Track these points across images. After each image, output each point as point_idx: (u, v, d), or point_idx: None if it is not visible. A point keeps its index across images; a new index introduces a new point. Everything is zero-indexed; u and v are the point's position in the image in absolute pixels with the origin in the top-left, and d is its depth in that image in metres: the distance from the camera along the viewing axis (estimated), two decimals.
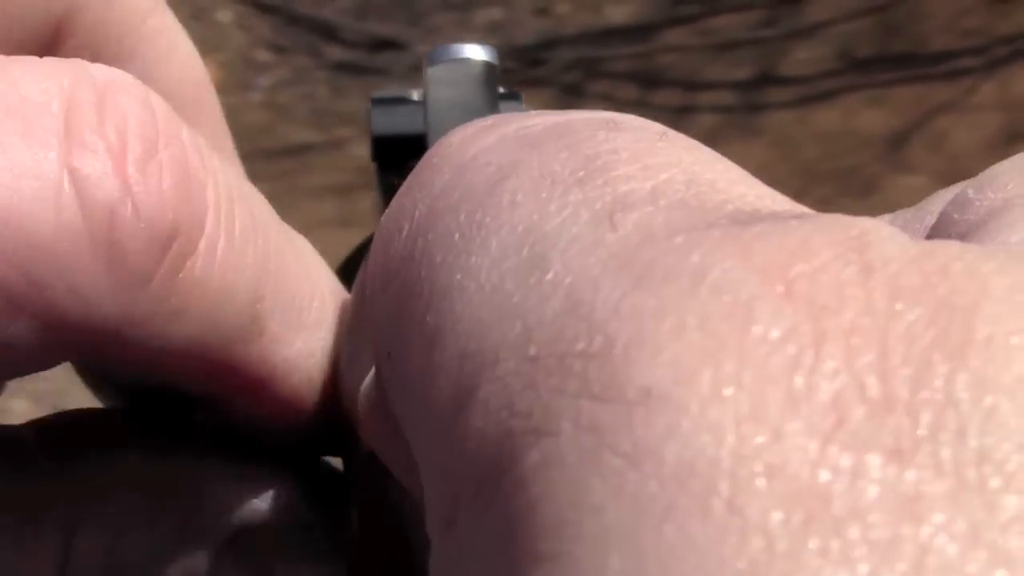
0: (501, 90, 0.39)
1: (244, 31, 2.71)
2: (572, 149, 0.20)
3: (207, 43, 2.67)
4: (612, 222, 0.18)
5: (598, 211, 0.19)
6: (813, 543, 0.15)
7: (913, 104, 2.23)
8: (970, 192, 0.22)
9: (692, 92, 2.36)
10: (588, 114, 0.21)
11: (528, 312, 0.18)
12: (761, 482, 0.16)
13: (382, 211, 0.39)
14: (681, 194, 0.19)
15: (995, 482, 0.15)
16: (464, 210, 0.20)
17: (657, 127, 0.21)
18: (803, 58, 2.33)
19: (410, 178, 0.22)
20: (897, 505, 0.15)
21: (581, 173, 0.19)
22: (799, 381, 0.16)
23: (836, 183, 2.16)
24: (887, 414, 0.16)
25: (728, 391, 0.16)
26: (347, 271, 0.34)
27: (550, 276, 0.18)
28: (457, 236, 0.19)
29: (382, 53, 2.60)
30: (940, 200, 0.24)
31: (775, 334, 0.16)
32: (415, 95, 0.43)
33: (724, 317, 0.17)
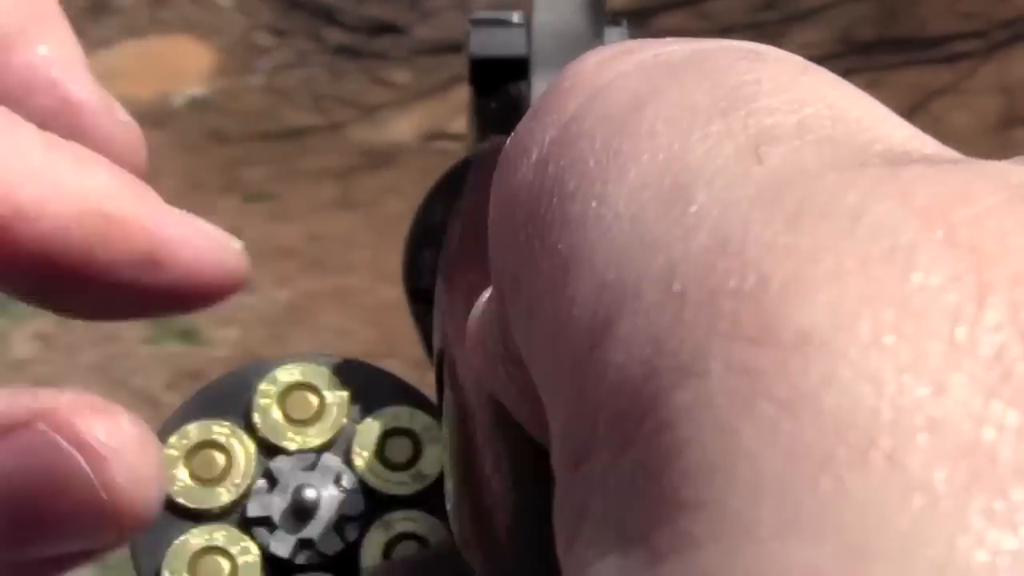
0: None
1: (244, 15, 2.70)
2: (713, 78, 0.19)
3: (207, 26, 2.67)
4: (758, 155, 0.18)
5: (742, 143, 0.18)
6: (977, 503, 0.15)
7: (912, 87, 2.23)
8: None
9: None
10: (728, 43, 0.21)
11: (672, 245, 0.17)
12: (923, 436, 0.15)
13: (477, 137, 0.39)
14: (828, 130, 0.18)
15: None
16: (600, 136, 0.19)
17: (799, 60, 0.20)
18: (802, 42, 2.32)
19: (539, 102, 0.21)
20: None
21: (723, 103, 0.19)
22: (961, 332, 0.16)
23: None
24: None
25: (889, 339, 0.16)
26: (435, 199, 0.33)
27: (694, 208, 0.17)
28: (592, 163, 0.19)
29: (382, 37, 2.59)
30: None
31: (936, 281, 0.16)
32: (515, 17, 0.42)
33: (884, 262, 0.16)
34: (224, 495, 0.32)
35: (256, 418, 0.33)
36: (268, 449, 0.33)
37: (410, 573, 0.27)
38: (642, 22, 2.62)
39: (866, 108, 0.19)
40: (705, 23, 2.55)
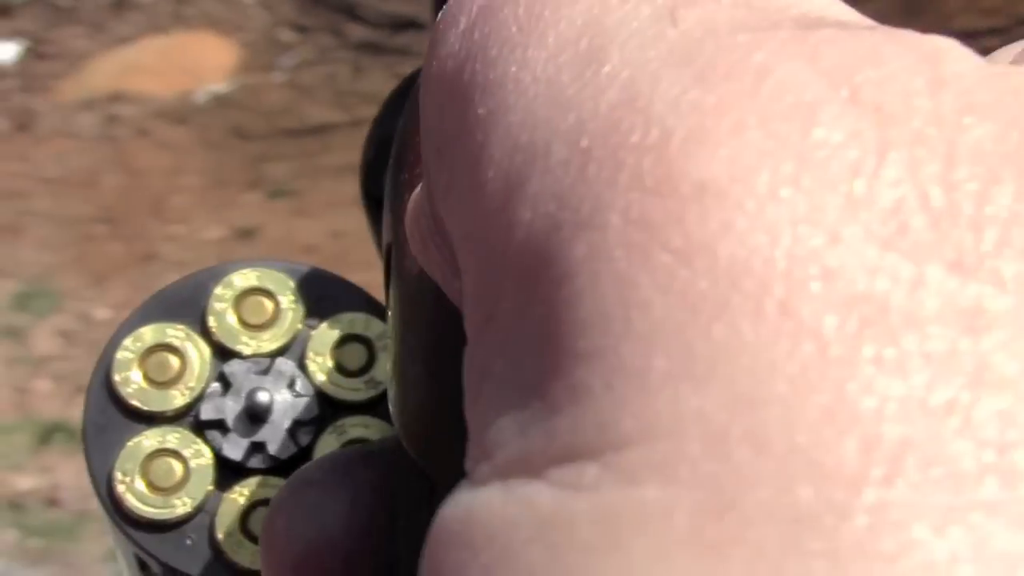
0: None
1: (267, 10, 2.71)
2: None
3: (230, 23, 2.67)
4: (674, 17, 0.18)
5: (659, 6, 0.18)
6: (868, 351, 0.15)
7: None
8: None
9: None
10: None
11: (583, 104, 0.17)
12: (816, 285, 0.15)
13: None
14: None
15: None
16: (524, 3, 0.19)
17: None
18: None
19: None
20: (957, 318, 0.15)
21: None
22: (860, 186, 0.16)
23: None
24: (951, 226, 0.15)
25: (786, 191, 0.16)
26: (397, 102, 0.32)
27: (607, 69, 0.18)
28: (515, 29, 0.19)
29: (404, 33, 2.59)
30: (1010, 52, 0.23)
31: (837, 138, 0.16)
32: None
33: (785, 117, 0.16)
34: (178, 398, 0.32)
35: (211, 322, 0.33)
36: (223, 353, 0.33)
37: (352, 463, 0.27)
38: None
39: None
40: None
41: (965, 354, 0.15)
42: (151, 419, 0.32)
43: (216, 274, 0.33)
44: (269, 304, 0.33)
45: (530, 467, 0.16)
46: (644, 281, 0.16)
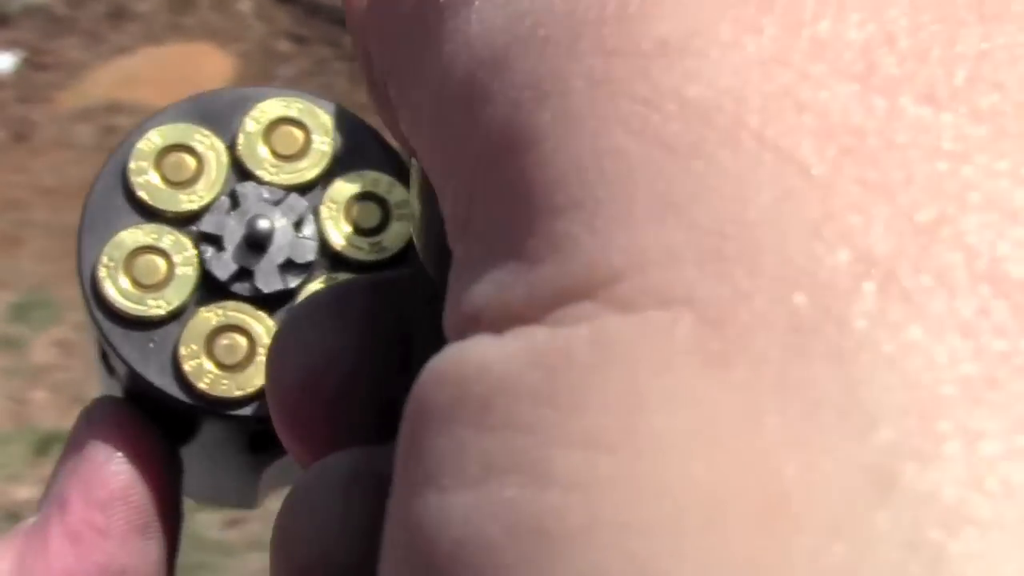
0: None
1: (265, 21, 2.71)
2: None
3: (227, 33, 2.67)
4: None
5: None
6: (850, 172, 0.15)
7: None
8: None
9: None
10: None
11: (538, 6, 0.18)
12: (791, 116, 0.15)
13: None
14: None
15: None
16: None
17: None
18: None
19: None
20: (936, 144, 0.15)
21: None
22: (824, 27, 0.16)
23: None
24: (920, 64, 0.16)
25: (749, 38, 0.16)
26: None
27: None
28: None
29: None
30: None
31: None
32: None
33: None
34: (185, 202, 0.32)
35: (240, 139, 0.32)
36: (241, 172, 0.32)
37: (363, 290, 0.28)
38: None
39: None
40: None
41: (948, 175, 0.15)
42: (152, 215, 0.32)
43: (259, 94, 0.33)
44: (300, 137, 0.32)
45: (520, 318, 0.16)
46: (615, 130, 0.16)
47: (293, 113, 0.33)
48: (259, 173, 0.32)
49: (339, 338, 0.27)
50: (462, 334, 0.17)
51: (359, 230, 0.32)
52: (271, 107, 0.33)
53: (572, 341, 0.16)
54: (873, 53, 0.16)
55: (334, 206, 0.32)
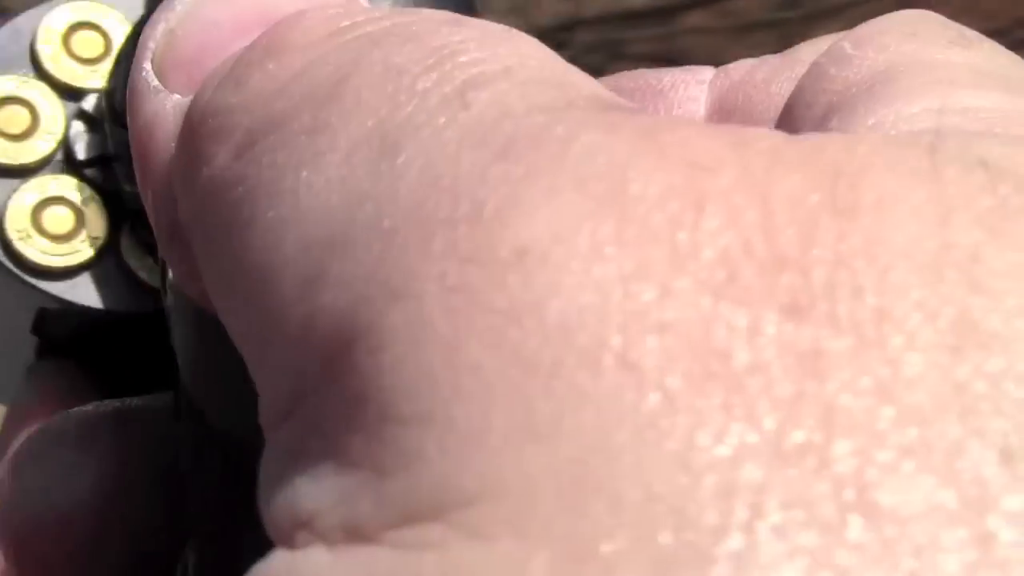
0: None
1: None
2: (416, 42, 0.19)
3: None
4: (464, 101, 0.18)
5: (448, 93, 0.18)
6: (715, 398, 0.15)
7: None
8: (847, 47, 0.22)
9: None
10: (427, 13, 0.20)
11: (380, 193, 0.17)
12: (654, 338, 0.15)
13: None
14: (535, 73, 0.18)
15: (897, 340, 0.15)
16: (308, 112, 0.19)
17: (502, 27, 0.20)
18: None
19: (227, 76, 0.21)
20: (798, 362, 0.15)
21: (429, 62, 0.19)
22: (683, 238, 0.16)
23: None
24: (778, 272, 0.15)
25: (609, 250, 0.16)
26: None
27: (402, 159, 0.17)
28: (303, 138, 0.19)
29: None
30: (811, 50, 0.23)
31: (653, 191, 0.16)
32: None
33: (598, 177, 0.16)
34: (41, 146, 0.32)
35: (48, 66, 0.32)
36: (71, 93, 0.32)
37: (106, 423, 0.26)
38: (664, 20, 2.61)
39: (574, 69, 0.19)
40: (727, 21, 2.55)
41: (812, 397, 0.15)
42: (22, 173, 0.32)
43: (35, 17, 0.32)
44: (99, 37, 0.32)
45: (361, 532, 0.16)
46: (471, 343, 0.15)
47: (81, 16, 0.32)
48: (88, 85, 0.32)
49: (85, 477, 0.25)
50: (289, 539, 0.17)
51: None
52: (57, 20, 0.32)
53: (419, 570, 0.15)
54: (732, 262, 0.15)
55: None
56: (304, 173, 0.18)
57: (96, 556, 0.25)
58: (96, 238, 0.32)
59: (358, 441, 0.16)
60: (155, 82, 0.22)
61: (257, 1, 0.22)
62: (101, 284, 0.32)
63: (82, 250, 0.31)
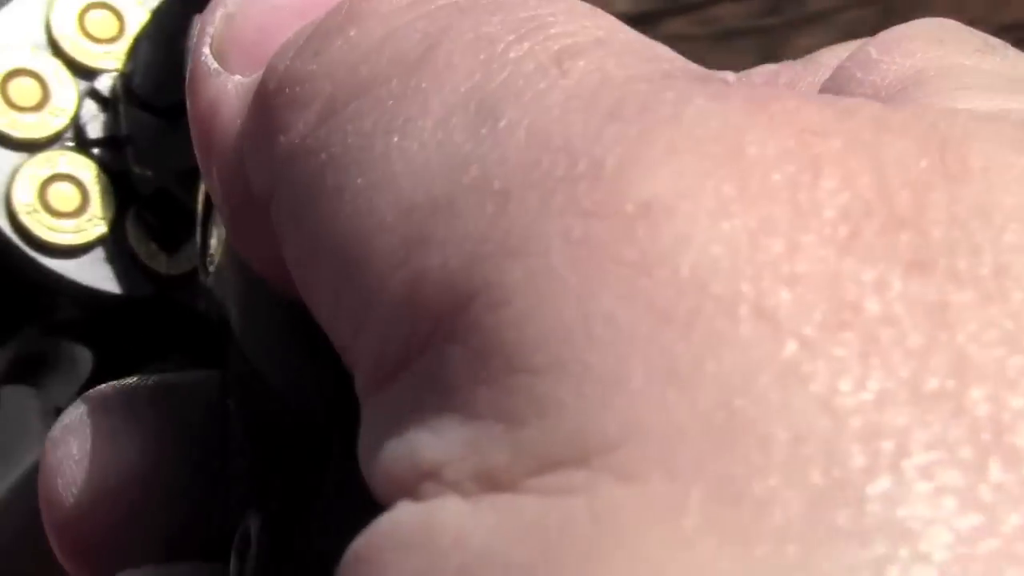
0: None
1: None
2: (504, 12, 0.19)
3: None
4: (562, 69, 0.18)
5: (544, 61, 0.18)
6: (851, 347, 0.15)
7: None
8: (873, 52, 0.22)
9: None
10: None
11: (485, 155, 0.17)
12: (786, 289, 0.15)
13: None
14: (627, 46, 0.19)
15: (1018, 295, 0.15)
16: (396, 77, 0.19)
17: (585, 3, 0.20)
18: (806, 46, 2.31)
19: (304, 46, 0.21)
20: (926, 314, 0.15)
21: (520, 31, 0.19)
22: (803, 197, 0.16)
23: None
24: (898, 230, 0.16)
25: (734, 206, 0.16)
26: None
27: (504, 123, 0.18)
28: (391, 103, 0.19)
29: None
30: (833, 55, 0.23)
31: (770, 153, 0.16)
32: None
33: (715, 140, 0.16)
34: (52, 122, 0.32)
35: (62, 43, 0.32)
36: (85, 72, 0.32)
37: (151, 395, 0.26)
38: (645, 27, 2.62)
39: (658, 43, 0.20)
40: (708, 28, 2.56)
41: (943, 346, 0.15)
42: (31, 147, 0.32)
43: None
44: (114, 19, 0.32)
45: (497, 481, 0.16)
46: (603, 294, 0.16)
47: None
48: (101, 65, 0.32)
49: (129, 450, 0.25)
50: (413, 491, 0.17)
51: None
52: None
53: (568, 513, 0.15)
54: (853, 220, 0.16)
55: None
56: (395, 138, 0.18)
57: (138, 525, 0.25)
58: (101, 219, 0.31)
59: (484, 393, 0.16)
60: (215, 64, 0.22)
61: None
62: (103, 265, 0.31)
63: (87, 229, 0.31)
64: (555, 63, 0.18)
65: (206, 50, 0.22)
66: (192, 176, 0.28)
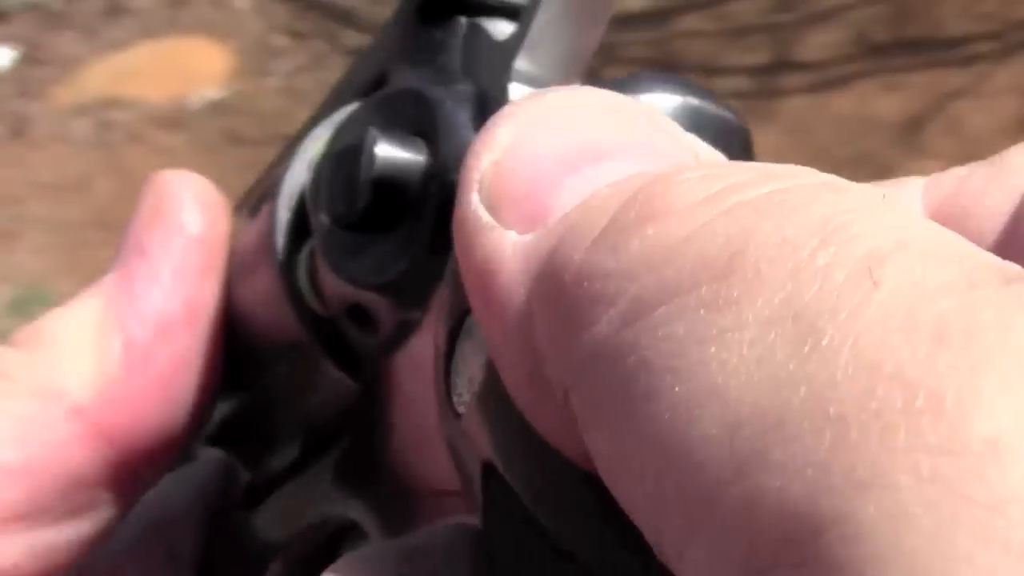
0: None
1: (261, 16, 2.71)
2: (802, 213, 0.19)
3: (224, 28, 2.67)
4: (874, 280, 0.18)
5: (853, 269, 0.18)
6: None
7: (928, 89, 2.22)
8: None
9: (708, 77, 2.35)
10: (797, 171, 0.21)
11: (812, 377, 0.17)
12: None
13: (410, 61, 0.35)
14: (928, 245, 0.19)
15: None
16: (704, 284, 0.19)
17: (873, 188, 0.20)
18: (818, 43, 2.32)
19: (599, 239, 0.21)
20: None
21: (822, 235, 0.19)
22: None
23: (851, 169, 2.15)
24: None
25: None
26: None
27: (826, 341, 0.17)
28: (702, 311, 0.19)
29: None
30: (1022, 156, 0.23)
31: None
32: None
33: None
34: None
35: None
36: None
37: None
38: (659, 23, 2.61)
39: (950, 232, 0.19)
40: (721, 24, 2.55)
41: None
42: None
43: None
44: None
45: None
46: (958, 535, 0.16)
47: None
48: None
49: None
50: None
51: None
52: None
53: None
54: None
55: None
56: (712, 348, 0.18)
57: None
58: None
59: None
60: (487, 217, 0.22)
61: (581, 136, 0.22)
62: None
63: None
64: (865, 271, 0.18)
65: (474, 197, 0.22)
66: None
